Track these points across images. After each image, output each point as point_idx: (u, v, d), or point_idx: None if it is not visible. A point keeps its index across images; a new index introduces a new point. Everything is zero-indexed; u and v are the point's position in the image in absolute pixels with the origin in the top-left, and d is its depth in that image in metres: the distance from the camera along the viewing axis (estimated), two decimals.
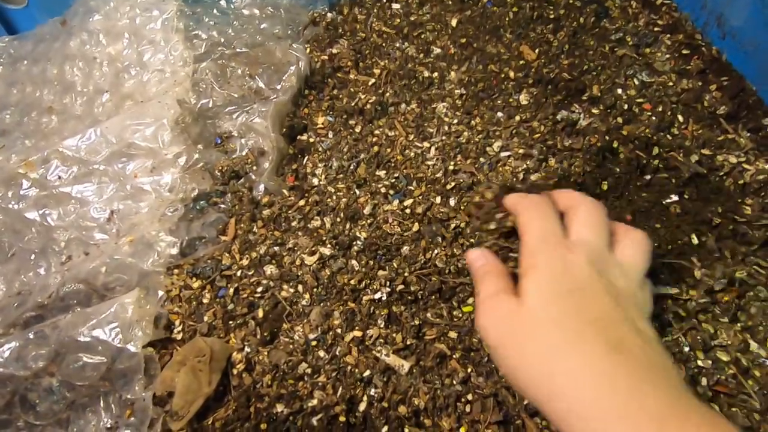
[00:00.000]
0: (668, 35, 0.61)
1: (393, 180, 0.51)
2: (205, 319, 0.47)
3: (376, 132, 0.56)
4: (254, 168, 0.57)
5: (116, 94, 0.61)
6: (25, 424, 0.40)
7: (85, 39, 0.64)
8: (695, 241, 0.45)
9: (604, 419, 0.24)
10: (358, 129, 0.57)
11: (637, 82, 0.57)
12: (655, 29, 0.62)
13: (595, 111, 0.54)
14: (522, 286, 0.30)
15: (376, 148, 0.55)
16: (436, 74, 0.61)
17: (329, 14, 0.71)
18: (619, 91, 0.56)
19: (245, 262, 0.49)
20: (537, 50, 0.60)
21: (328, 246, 0.48)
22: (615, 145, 0.50)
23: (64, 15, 0.69)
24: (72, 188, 0.51)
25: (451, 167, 0.51)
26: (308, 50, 0.67)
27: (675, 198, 0.48)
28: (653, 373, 0.26)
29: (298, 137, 0.59)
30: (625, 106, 0.54)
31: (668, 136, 0.52)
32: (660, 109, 0.54)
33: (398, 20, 0.68)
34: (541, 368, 0.27)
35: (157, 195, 0.51)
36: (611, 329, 0.27)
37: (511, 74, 0.58)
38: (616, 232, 0.33)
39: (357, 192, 0.52)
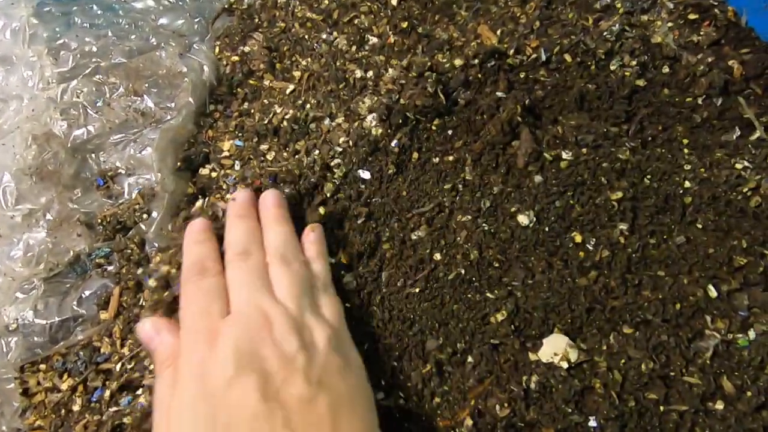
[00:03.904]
0: None
1: None
2: None
3: None
4: (144, 217, 0.45)
5: None
6: None
7: None
8: (713, 293, 0.34)
9: None
10: (270, 156, 0.45)
11: None
12: None
13: None
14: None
15: None
16: (370, 73, 0.47)
17: None
18: None
19: (126, 350, 0.38)
20: (499, 31, 0.47)
21: None
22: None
23: None
24: None
25: None
26: (217, 50, 0.53)
27: (681, 238, 0.35)
28: None
29: (201, 170, 0.46)
30: None
31: None
32: None
33: (327, 1, 0.54)
34: None
35: (8, 272, 0.39)
36: None
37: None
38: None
39: None
